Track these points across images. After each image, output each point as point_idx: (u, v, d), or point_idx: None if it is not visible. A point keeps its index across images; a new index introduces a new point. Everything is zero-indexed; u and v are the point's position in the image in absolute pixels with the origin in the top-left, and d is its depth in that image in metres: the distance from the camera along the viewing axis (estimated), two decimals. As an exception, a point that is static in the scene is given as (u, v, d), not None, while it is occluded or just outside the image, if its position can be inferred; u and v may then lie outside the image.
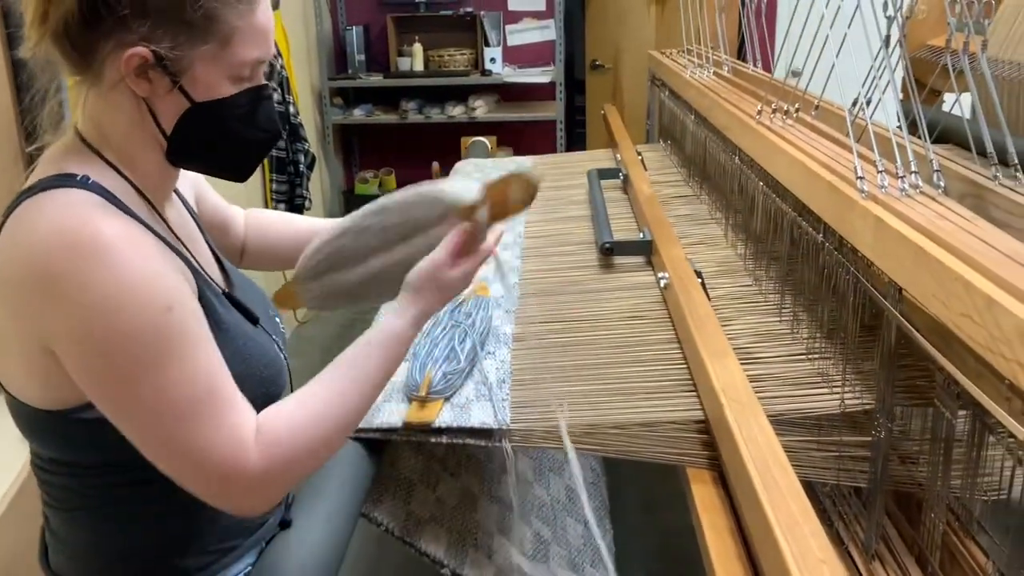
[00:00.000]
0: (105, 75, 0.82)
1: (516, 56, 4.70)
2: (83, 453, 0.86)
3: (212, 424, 0.80)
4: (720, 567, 0.94)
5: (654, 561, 2.20)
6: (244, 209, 1.24)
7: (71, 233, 0.76)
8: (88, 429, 0.83)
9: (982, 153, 1.12)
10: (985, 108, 1.09)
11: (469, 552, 1.24)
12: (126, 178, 0.87)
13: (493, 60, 4.52)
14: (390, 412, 1.19)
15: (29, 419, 0.85)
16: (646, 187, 2.05)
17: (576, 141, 5.06)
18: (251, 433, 0.82)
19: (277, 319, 1.09)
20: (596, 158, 2.78)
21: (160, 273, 0.80)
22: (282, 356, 1.03)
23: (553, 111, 4.53)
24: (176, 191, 1.00)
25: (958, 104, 1.29)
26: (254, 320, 0.99)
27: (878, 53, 1.12)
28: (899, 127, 1.10)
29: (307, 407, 0.87)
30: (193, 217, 1.03)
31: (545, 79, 4.48)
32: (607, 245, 1.73)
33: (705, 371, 1.15)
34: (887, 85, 1.13)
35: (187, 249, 0.93)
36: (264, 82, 0.91)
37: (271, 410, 0.86)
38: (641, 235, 1.78)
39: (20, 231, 0.79)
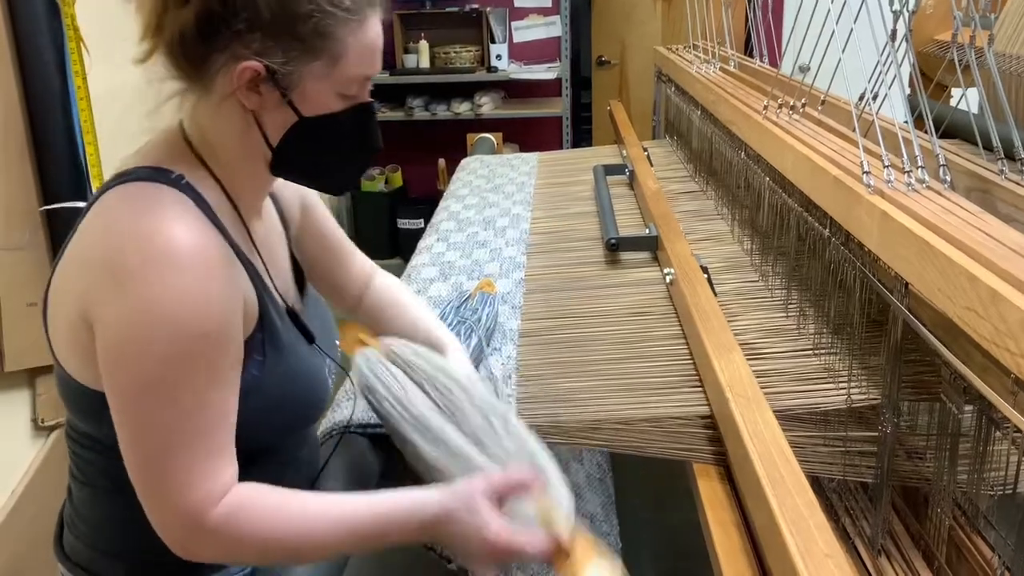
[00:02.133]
0: (215, 86, 0.83)
1: (522, 53, 4.69)
2: (111, 432, 0.85)
3: (194, 465, 0.80)
4: (726, 562, 0.95)
5: (661, 557, 2.20)
6: (373, 266, 1.22)
7: (148, 233, 0.78)
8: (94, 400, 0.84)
9: (989, 148, 1.11)
10: (992, 103, 1.09)
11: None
12: (221, 184, 0.88)
13: (499, 57, 4.51)
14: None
15: (69, 390, 0.87)
16: (652, 183, 2.05)
17: (582, 137, 5.05)
18: (223, 489, 0.82)
19: (336, 340, 1.07)
20: (602, 154, 2.79)
21: (214, 299, 0.80)
22: (330, 380, 1.02)
23: (559, 107, 4.52)
24: (273, 195, 1.01)
25: (965, 99, 1.28)
26: (311, 339, 0.98)
27: (884, 48, 1.11)
28: (905, 122, 1.09)
29: (289, 515, 0.85)
30: (285, 227, 1.04)
31: (551, 75, 4.48)
32: (613, 241, 1.73)
33: (711, 366, 1.15)
34: (893, 80, 1.13)
35: (262, 260, 0.93)
36: (370, 99, 0.91)
37: (261, 488, 0.85)
38: (647, 231, 1.78)
39: (107, 216, 0.82)
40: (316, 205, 1.12)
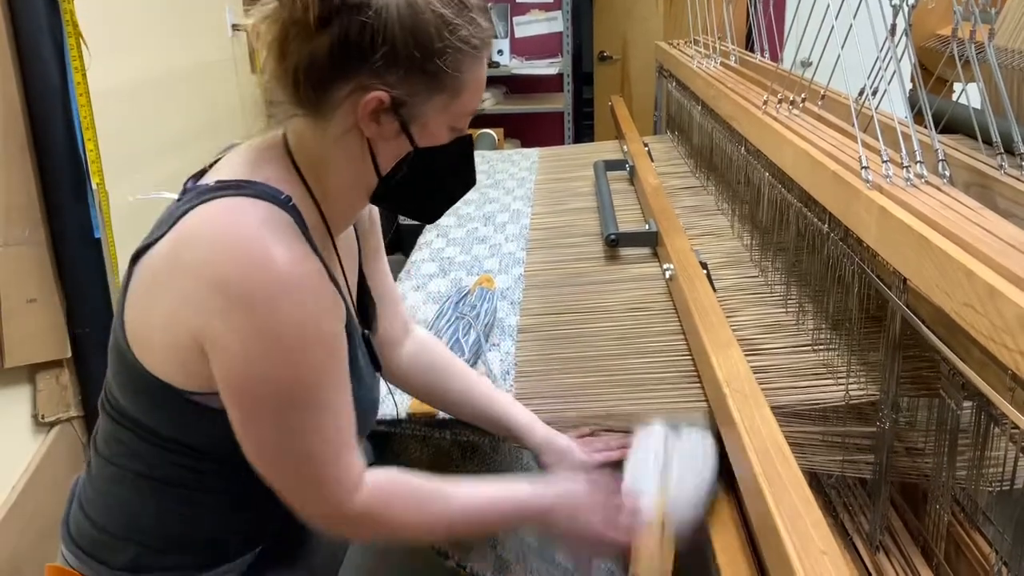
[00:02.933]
0: (334, 113, 0.84)
1: (523, 48, 4.68)
2: (166, 425, 0.88)
3: (334, 464, 0.85)
4: (724, 559, 0.94)
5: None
6: (411, 316, 1.21)
7: (271, 258, 0.78)
8: (189, 411, 0.85)
9: (989, 142, 1.11)
10: (992, 97, 1.08)
11: (474, 544, 1.24)
12: (318, 207, 0.89)
13: (500, 52, 4.51)
14: (394, 404, 1.20)
15: (133, 374, 0.86)
16: (652, 178, 2.04)
17: (584, 133, 5.05)
18: (359, 478, 0.87)
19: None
20: (603, 150, 2.78)
21: (328, 317, 0.83)
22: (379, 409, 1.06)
23: (561, 103, 4.52)
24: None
25: (965, 94, 1.28)
26: (378, 366, 1.01)
27: (884, 42, 1.11)
28: (904, 116, 1.09)
29: (424, 502, 0.92)
30: (360, 253, 1.06)
31: (553, 71, 4.47)
32: (612, 236, 1.73)
33: (709, 362, 1.15)
34: (893, 75, 1.12)
35: (347, 283, 0.96)
36: (469, 132, 0.93)
37: (397, 476, 0.92)
38: (647, 227, 1.77)
39: (216, 229, 0.80)
40: (379, 237, 1.14)
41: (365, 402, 0.96)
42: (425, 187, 0.91)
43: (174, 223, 0.82)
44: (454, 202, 0.98)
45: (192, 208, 0.82)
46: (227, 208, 0.81)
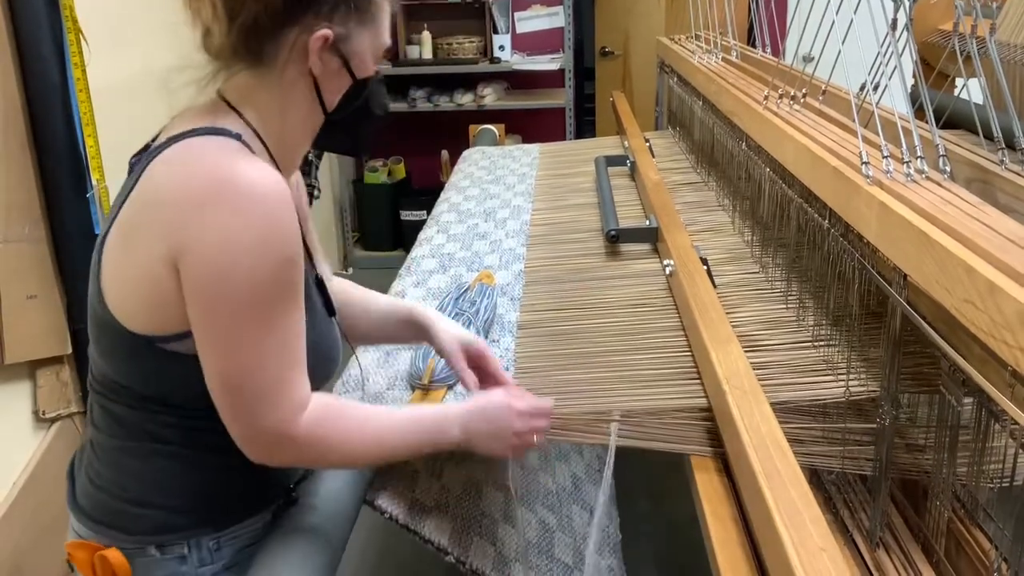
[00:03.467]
0: (282, 59, 0.92)
1: (525, 43, 4.68)
2: (145, 383, 0.94)
3: (283, 378, 0.89)
4: (722, 555, 0.94)
5: (662, 548, 2.20)
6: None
7: (229, 171, 0.85)
8: (164, 359, 0.91)
9: (990, 137, 1.10)
10: (993, 92, 1.08)
11: (474, 540, 1.24)
12: (269, 152, 0.95)
13: (502, 48, 4.50)
14: (394, 400, 1.19)
15: (115, 337, 0.91)
16: (653, 174, 2.04)
17: (585, 128, 5.04)
18: (306, 400, 0.91)
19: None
20: (605, 145, 2.78)
21: (292, 227, 0.87)
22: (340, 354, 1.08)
23: (562, 99, 4.51)
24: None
25: (967, 89, 1.27)
26: (332, 312, 1.04)
27: (885, 37, 1.10)
28: (905, 112, 1.08)
29: (363, 423, 0.98)
30: None
31: (554, 66, 4.46)
32: (612, 232, 1.72)
33: (708, 359, 1.14)
34: (894, 70, 1.12)
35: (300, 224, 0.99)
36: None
37: (336, 400, 0.98)
38: (647, 222, 1.77)
39: (182, 160, 0.88)
40: (304, 196, 1.16)
41: (323, 344, 1.00)
42: (362, 119, 1.00)
43: (132, 187, 0.90)
44: (381, 131, 1.06)
45: (146, 166, 0.89)
46: (184, 147, 0.88)
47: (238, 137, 0.90)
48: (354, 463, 1.06)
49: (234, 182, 0.84)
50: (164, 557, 0.98)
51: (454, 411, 1.05)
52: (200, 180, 0.85)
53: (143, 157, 0.92)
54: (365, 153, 1.06)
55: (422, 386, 1.19)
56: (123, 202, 0.91)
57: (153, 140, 0.95)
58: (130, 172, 0.94)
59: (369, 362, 1.30)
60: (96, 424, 0.99)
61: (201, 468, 0.98)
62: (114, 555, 0.96)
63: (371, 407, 1.02)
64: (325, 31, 0.91)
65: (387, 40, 0.99)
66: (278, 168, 0.94)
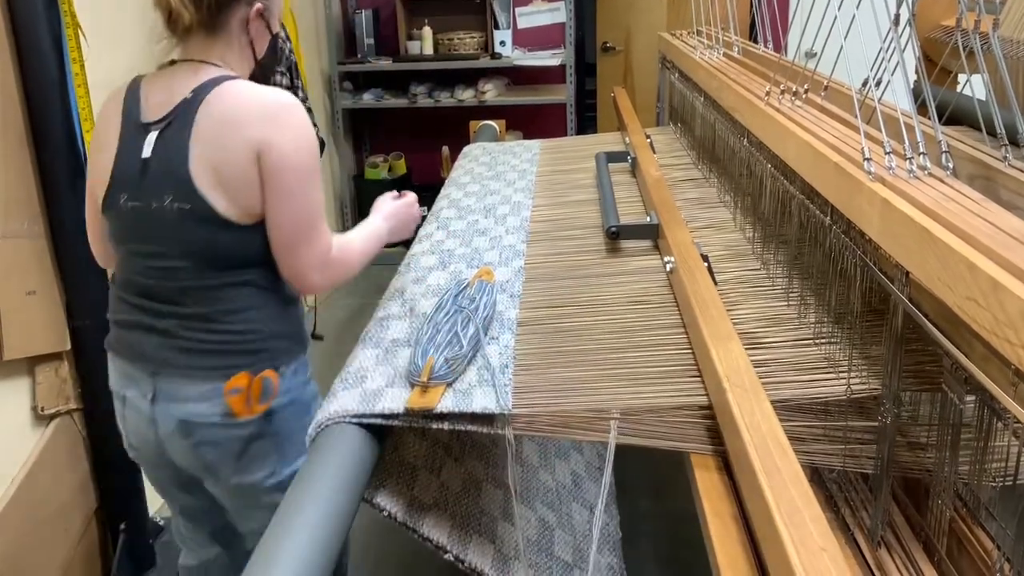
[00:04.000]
0: (230, 26, 1.41)
1: (526, 39, 4.66)
2: (233, 255, 1.40)
3: (323, 223, 1.41)
4: (722, 553, 0.94)
5: (662, 546, 2.19)
6: None
7: (278, 93, 1.37)
8: (244, 236, 1.37)
9: (993, 134, 1.10)
10: (997, 88, 1.07)
11: (472, 538, 1.24)
12: None
13: (503, 43, 4.49)
14: (392, 397, 1.19)
15: (211, 225, 1.36)
16: (654, 170, 2.03)
17: (587, 124, 5.03)
18: (331, 237, 1.44)
19: None
20: (606, 141, 2.77)
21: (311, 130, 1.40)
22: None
23: (563, 94, 4.50)
24: None
25: (970, 85, 1.26)
26: None
27: (887, 33, 1.09)
28: (907, 107, 1.08)
29: (352, 244, 1.52)
30: None
31: (555, 62, 4.45)
32: (613, 229, 1.71)
33: (709, 356, 1.14)
34: (896, 66, 1.11)
35: None
36: None
37: (336, 236, 1.47)
38: (648, 219, 1.76)
39: (238, 92, 1.37)
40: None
41: None
42: (271, 65, 1.53)
43: (197, 107, 1.35)
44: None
45: (204, 97, 1.36)
46: (230, 85, 1.37)
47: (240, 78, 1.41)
48: (354, 272, 1.52)
49: (288, 102, 1.35)
50: (281, 375, 1.47)
51: (379, 222, 1.63)
52: (268, 101, 1.35)
53: (182, 106, 1.36)
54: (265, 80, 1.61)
55: (421, 383, 1.19)
56: (187, 139, 1.34)
57: (131, 87, 1.45)
58: (147, 129, 1.38)
59: (368, 359, 1.30)
60: (202, 305, 1.41)
61: (287, 311, 1.49)
62: (269, 373, 1.44)
63: (350, 237, 1.53)
64: (259, 5, 1.42)
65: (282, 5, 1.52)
66: None
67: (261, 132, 1.32)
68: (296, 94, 3.61)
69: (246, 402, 1.42)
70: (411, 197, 1.74)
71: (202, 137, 1.34)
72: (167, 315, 1.42)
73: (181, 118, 1.35)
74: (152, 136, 1.37)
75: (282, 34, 3.51)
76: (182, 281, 1.39)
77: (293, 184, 1.34)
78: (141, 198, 1.38)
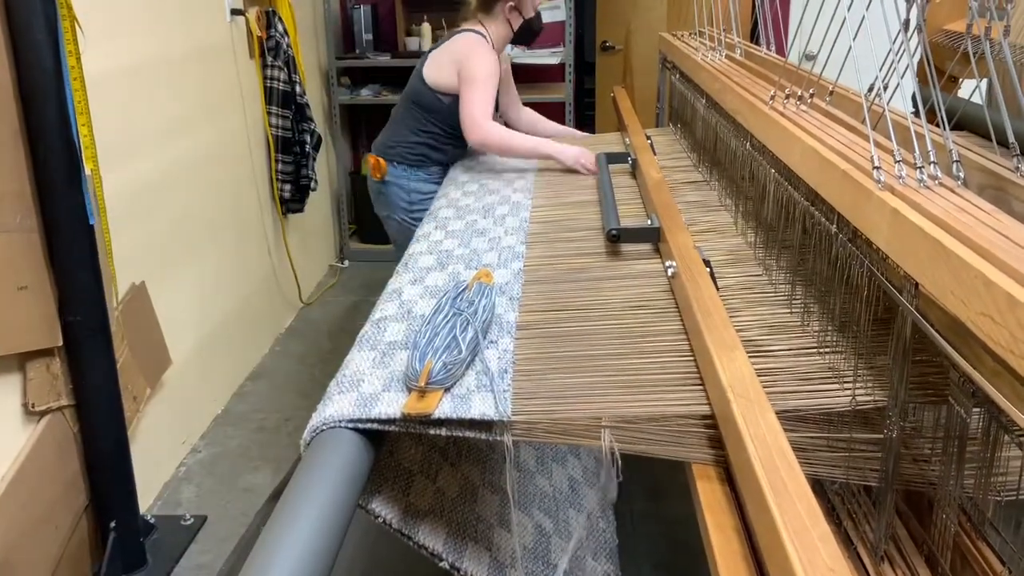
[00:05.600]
0: (496, 10, 2.64)
1: (526, 37, 4.64)
2: (428, 108, 2.64)
3: (490, 108, 2.53)
4: (724, 567, 0.92)
5: (660, 550, 2.18)
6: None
7: (479, 42, 2.60)
8: (441, 99, 2.61)
9: (1001, 142, 1.08)
10: (1007, 96, 1.05)
11: (468, 545, 1.22)
12: (492, 44, 2.65)
13: (502, 40, 4.47)
14: (389, 402, 1.17)
15: (423, 95, 2.64)
16: (655, 172, 2.01)
17: (585, 123, 5.00)
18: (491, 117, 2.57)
19: None
20: (605, 141, 2.75)
21: (497, 63, 2.60)
22: None
23: (562, 93, 4.47)
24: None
25: (979, 90, 1.25)
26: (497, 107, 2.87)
27: (896, 36, 1.08)
28: (915, 113, 1.06)
29: (515, 133, 2.61)
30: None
31: (555, 60, 4.43)
32: (613, 232, 1.70)
33: (712, 365, 1.12)
34: (905, 70, 1.09)
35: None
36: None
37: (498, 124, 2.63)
38: (649, 222, 1.74)
39: (464, 39, 2.63)
40: (508, 66, 2.92)
41: None
42: (526, 33, 2.74)
43: (439, 47, 2.69)
44: (538, 35, 2.89)
45: (454, 36, 2.68)
46: (466, 35, 2.64)
47: (482, 35, 2.62)
48: (512, 151, 2.52)
49: (482, 46, 2.57)
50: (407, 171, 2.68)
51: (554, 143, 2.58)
52: (471, 43, 2.59)
53: (446, 37, 2.71)
54: (531, 42, 2.91)
55: (418, 388, 1.17)
56: (431, 51, 2.71)
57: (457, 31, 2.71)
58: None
59: (364, 362, 1.27)
60: (405, 123, 2.70)
61: (431, 139, 2.67)
62: (380, 160, 2.69)
63: (521, 135, 2.60)
64: (511, 1, 2.61)
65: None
66: (495, 50, 2.63)
67: (463, 55, 2.56)
68: (292, 89, 3.60)
69: None
70: (593, 156, 2.39)
71: (439, 52, 2.67)
72: None
73: (435, 49, 2.75)
74: None
75: (279, 29, 3.50)
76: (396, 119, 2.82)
77: (474, 76, 2.53)
78: None
